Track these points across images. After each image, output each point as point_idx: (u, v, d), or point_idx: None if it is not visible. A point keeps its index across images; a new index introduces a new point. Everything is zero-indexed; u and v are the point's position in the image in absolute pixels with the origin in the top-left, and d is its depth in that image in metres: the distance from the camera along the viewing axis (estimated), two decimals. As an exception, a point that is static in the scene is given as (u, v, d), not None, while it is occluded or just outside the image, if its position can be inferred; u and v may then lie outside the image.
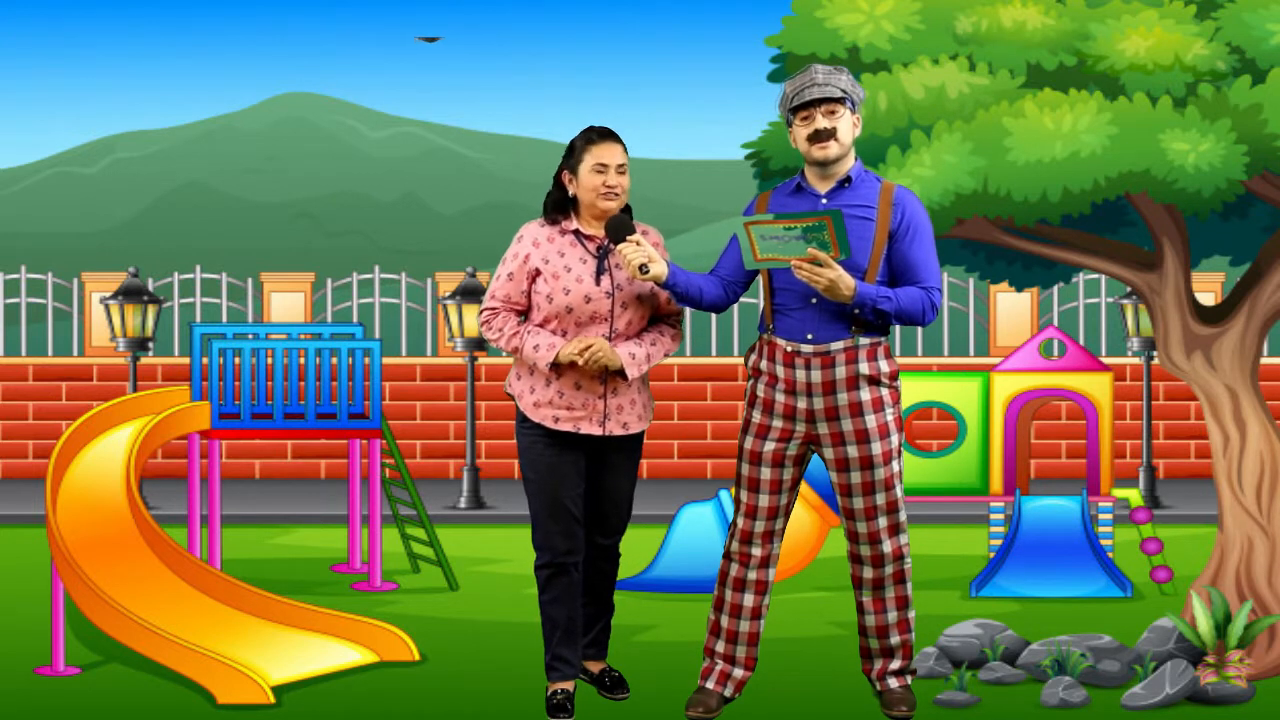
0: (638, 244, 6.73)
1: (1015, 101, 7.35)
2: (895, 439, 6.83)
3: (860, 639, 7.03)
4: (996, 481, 10.36)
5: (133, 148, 79.20)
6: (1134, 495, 10.64)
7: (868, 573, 6.90)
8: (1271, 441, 7.85)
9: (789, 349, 6.76)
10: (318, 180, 75.10)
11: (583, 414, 6.85)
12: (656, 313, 7.01)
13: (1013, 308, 19.39)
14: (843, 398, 6.73)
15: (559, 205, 6.91)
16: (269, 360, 10.33)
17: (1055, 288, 19.22)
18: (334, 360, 10.38)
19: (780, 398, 6.79)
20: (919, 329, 19.88)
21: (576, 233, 6.89)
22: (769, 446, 6.84)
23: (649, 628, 9.16)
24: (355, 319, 19.79)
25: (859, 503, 6.82)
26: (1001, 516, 10.49)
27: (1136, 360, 17.74)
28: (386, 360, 18.66)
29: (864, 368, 6.74)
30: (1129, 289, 13.85)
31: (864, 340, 6.74)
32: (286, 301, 19.62)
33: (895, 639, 6.95)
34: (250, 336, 10.69)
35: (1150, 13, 7.40)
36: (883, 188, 6.79)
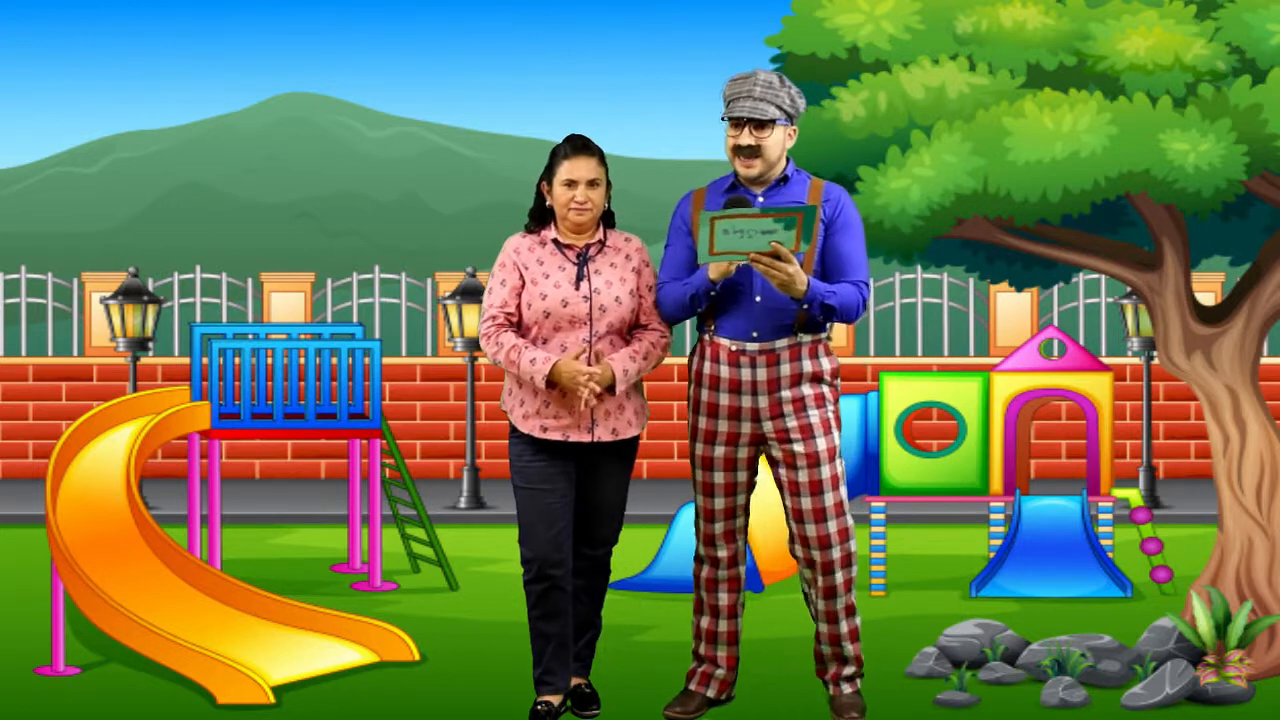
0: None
1: (1015, 101, 7.35)
2: (837, 436, 6.85)
3: (815, 644, 7.04)
4: (996, 481, 10.36)
5: (133, 148, 79.21)
6: (1134, 495, 10.64)
7: (820, 579, 6.90)
8: (1271, 441, 7.85)
9: (733, 348, 6.78)
10: (318, 180, 75.11)
11: (570, 421, 6.85)
12: (640, 318, 6.99)
13: (1013, 308, 19.39)
14: (786, 394, 6.75)
15: (539, 216, 6.95)
16: (269, 360, 10.33)
17: (1055, 288, 19.22)
18: (334, 360, 10.38)
19: (724, 400, 6.81)
20: (918, 329, 19.89)
21: (555, 241, 6.92)
22: (719, 451, 6.86)
23: (648, 628, 9.16)
24: (355, 319, 19.79)
25: (808, 503, 6.82)
26: (1001, 516, 10.49)
27: (1136, 360, 17.74)
28: (386, 360, 18.65)
29: (807, 365, 6.77)
30: (1129, 289, 13.85)
31: (806, 338, 6.78)
32: (286, 301, 19.62)
33: (849, 648, 6.96)
34: (250, 336, 10.69)
35: (1150, 13, 7.40)
36: (812, 184, 6.83)
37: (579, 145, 6.89)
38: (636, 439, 7.00)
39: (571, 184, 6.85)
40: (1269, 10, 7.35)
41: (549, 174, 6.90)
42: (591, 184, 6.86)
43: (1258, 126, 7.19)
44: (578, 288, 6.85)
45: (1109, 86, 7.40)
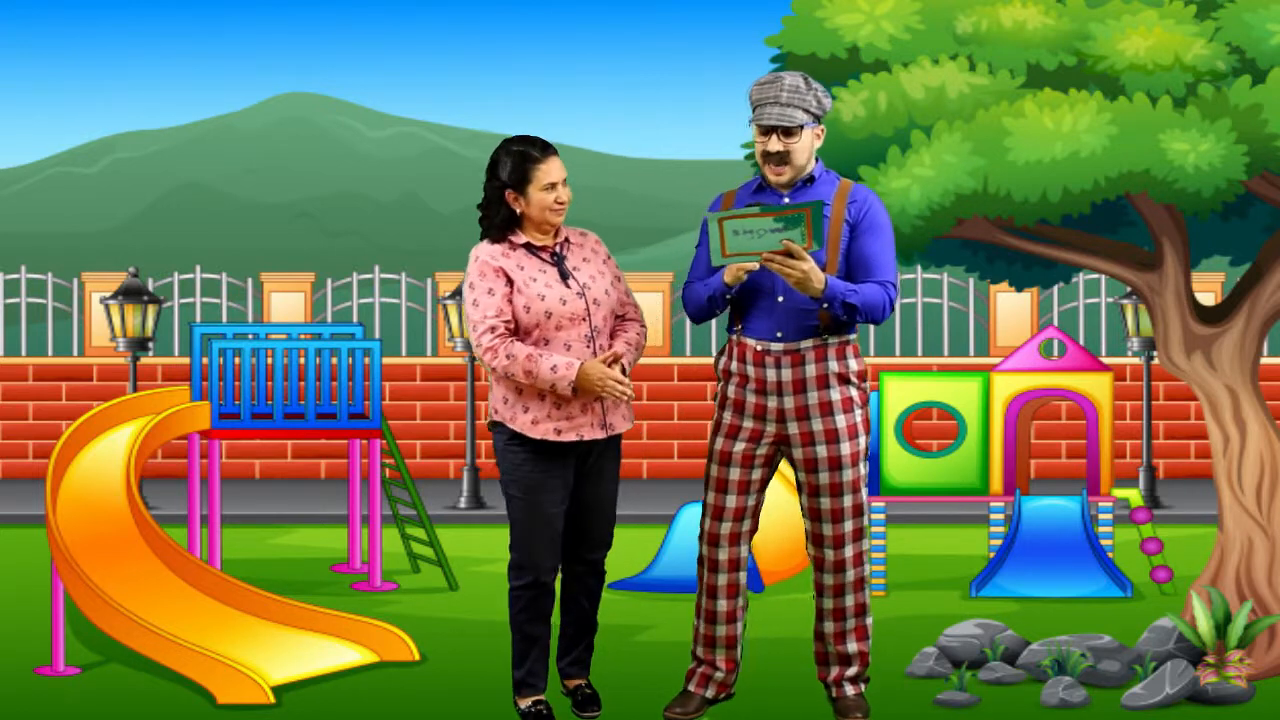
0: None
1: (1015, 101, 7.35)
2: (863, 440, 6.84)
3: (816, 644, 7.02)
4: (996, 481, 10.36)
5: (133, 148, 79.23)
6: (1134, 495, 10.64)
7: (829, 578, 6.90)
8: (1271, 441, 7.85)
9: (759, 348, 6.78)
10: (318, 180, 75.14)
11: (584, 420, 6.85)
12: (618, 309, 7.01)
13: (1013, 308, 19.39)
14: (813, 396, 6.74)
15: (506, 224, 6.91)
16: (269, 360, 10.33)
17: (1055, 288, 19.22)
18: (334, 360, 10.38)
19: (751, 398, 6.81)
20: (918, 329, 19.89)
21: (528, 245, 6.90)
22: (739, 447, 6.85)
23: (648, 628, 9.16)
24: (355, 319, 19.79)
25: (827, 504, 6.83)
26: (1001, 516, 10.49)
27: (1136, 360, 17.75)
28: (386, 360, 18.65)
29: (834, 365, 6.76)
30: (1129, 289, 13.86)
31: (832, 339, 6.77)
32: (286, 301, 19.62)
33: (853, 646, 6.95)
34: (250, 336, 10.70)
35: (1150, 13, 7.41)
36: (840, 185, 6.82)
37: (544, 146, 6.89)
38: (621, 436, 7.05)
39: (551, 186, 6.85)
40: (1269, 10, 7.35)
41: (520, 181, 6.86)
42: (564, 181, 6.89)
43: (1258, 126, 7.19)
44: (567, 285, 6.86)
45: (1109, 86, 7.40)
